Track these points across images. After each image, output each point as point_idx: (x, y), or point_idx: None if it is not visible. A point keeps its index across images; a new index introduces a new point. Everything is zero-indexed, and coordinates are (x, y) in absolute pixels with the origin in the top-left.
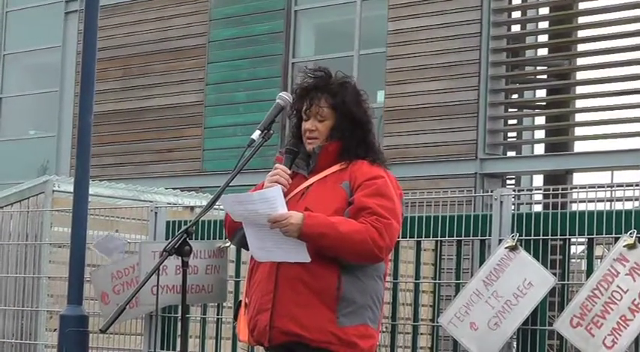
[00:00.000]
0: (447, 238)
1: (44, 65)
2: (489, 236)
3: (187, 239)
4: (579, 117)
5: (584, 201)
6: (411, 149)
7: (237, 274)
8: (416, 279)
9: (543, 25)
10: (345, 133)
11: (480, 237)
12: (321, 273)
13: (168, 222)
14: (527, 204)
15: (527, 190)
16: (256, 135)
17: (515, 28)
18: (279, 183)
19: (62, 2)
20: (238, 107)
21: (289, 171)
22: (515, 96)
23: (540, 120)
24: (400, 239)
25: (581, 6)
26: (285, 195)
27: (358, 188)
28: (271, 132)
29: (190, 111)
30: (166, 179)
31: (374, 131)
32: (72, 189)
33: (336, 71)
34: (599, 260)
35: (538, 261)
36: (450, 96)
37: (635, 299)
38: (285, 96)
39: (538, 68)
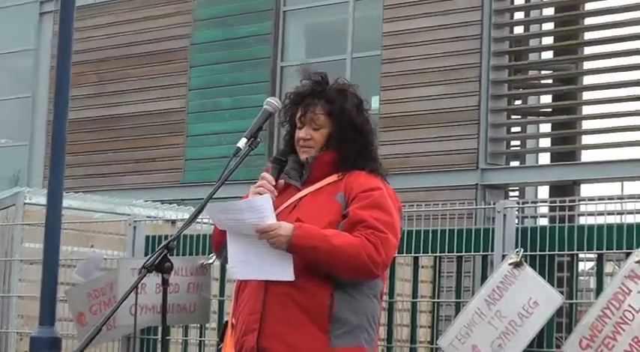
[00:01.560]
0: (446, 254)
1: (16, 69)
2: (492, 251)
3: (168, 255)
4: (587, 125)
5: (593, 214)
6: (407, 158)
7: (222, 293)
8: (413, 298)
9: (548, 26)
10: (342, 143)
11: (481, 253)
12: (312, 291)
13: (147, 237)
14: (532, 217)
15: (532, 202)
16: (242, 143)
17: (519, 30)
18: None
19: (37, 2)
20: (223, 114)
21: (274, 183)
22: (518, 102)
23: (545, 127)
24: (396, 255)
25: (588, 7)
26: (276, 207)
27: (354, 200)
28: (258, 140)
29: (172, 118)
30: (145, 191)
31: (376, 142)
32: (44, 202)
33: (337, 78)
34: (609, 277)
35: (544, 278)
36: (450, 102)
37: None
38: (273, 102)
39: (543, 72)
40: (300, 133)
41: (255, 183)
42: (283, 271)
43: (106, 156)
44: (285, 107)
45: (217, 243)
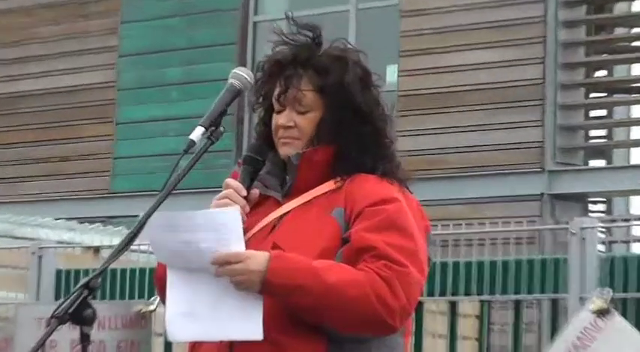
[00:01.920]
0: (498, 296)
1: None
2: (565, 292)
3: (89, 298)
4: None
5: None
6: (438, 157)
7: None
8: None
9: None
10: (339, 132)
11: (550, 295)
12: (298, 350)
13: (58, 272)
14: (623, 242)
15: (624, 220)
16: (198, 134)
17: None
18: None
19: None
20: (169, 91)
21: (244, 193)
22: (600, 73)
23: None
24: (424, 297)
25: None
26: (247, 229)
27: (358, 217)
28: (221, 129)
29: (94, 97)
30: (56, 204)
31: (389, 131)
32: None
33: (333, 40)
34: None
35: None
36: (500, 73)
37: None
38: (242, 75)
39: (634, 31)
40: (280, 119)
41: (218, 193)
42: (248, 325)
43: None
44: (257, 82)
45: (163, 281)
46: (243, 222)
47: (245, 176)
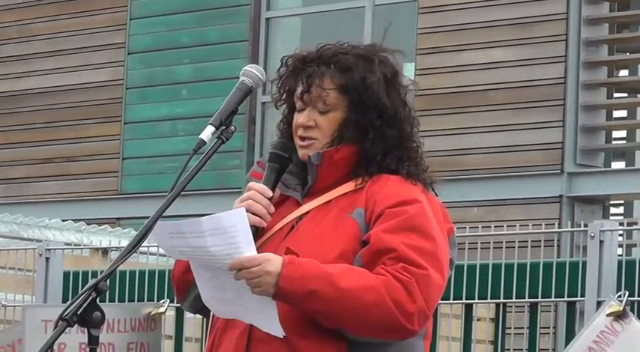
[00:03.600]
0: (514, 300)
1: None
2: (582, 296)
3: (98, 301)
4: None
5: None
6: (456, 158)
7: None
8: None
9: None
10: (364, 133)
11: (566, 299)
12: None
13: (66, 274)
14: None
15: None
16: (208, 133)
17: None
18: (254, 213)
19: None
20: (179, 90)
21: (270, 194)
22: (624, 72)
23: None
24: (441, 302)
25: None
26: (266, 230)
27: (378, 219)
28: (232, 129)
29: (102, 96)
30: (63, 205)
31: (415, 134)
32: None
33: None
34: None
35: None
36: (520, 72)
37: None
38: (253, 72)
39: None
40: (300, 117)
41: (233, 193)
42: (268, 322)
43: (2, 154)
44: (280, 78)
45: (182, 282)
46: (266, 222)
47: (271, 174)
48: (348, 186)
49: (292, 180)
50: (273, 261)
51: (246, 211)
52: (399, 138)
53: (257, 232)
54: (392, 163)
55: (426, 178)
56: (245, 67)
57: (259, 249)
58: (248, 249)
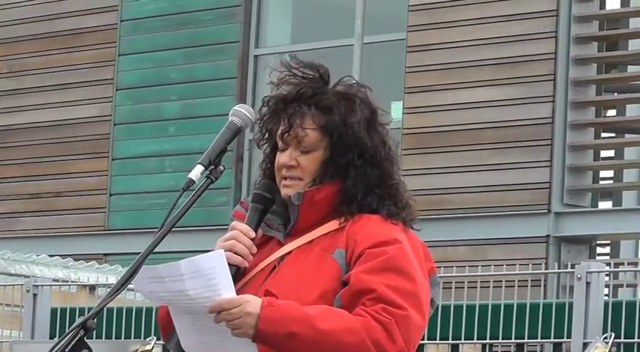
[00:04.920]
0: (500, 341)
1: None
2: (568, 337)
3: (86, 338)
4: None
5: None
6: (443, 197)
7: None
8: None
9: None
10: (345, 173)
11: (553, 340)
12: None
13: (54, 310)
14: (629, 286)
15: (630, 264)
16: (197, 173)
17: (613, 5)
18: (237, 253)
19: None
20: (167, 126)
21: (253, 234)
22: (611, 112)
23: None
24: (425, 341)
25: None
26: (248, 271)
27: (359, 259)
28: (221, 168)
29: (90, 131)
30: (51, 241)
31: (396, 172)
32: None
33: (341, 78)
34: None
35: None
36: (508, 112)
37: None
38: (243, 112)
39: None
40: (282, 157)
41: (220, 231)
42: None
43: None
44: (262, 118)
45: (168, 322)
46: (248, 262)
47: (254, 215)
48: (331, 226)
49: (275, 220)
50: (253, 303)
51: (229, 251)
52: (380, 176)
53: (239, 273)
54: (373, 202)
55: (407, 216)
56: (234, 107)
57: (241, 290)
58: (227, 292)
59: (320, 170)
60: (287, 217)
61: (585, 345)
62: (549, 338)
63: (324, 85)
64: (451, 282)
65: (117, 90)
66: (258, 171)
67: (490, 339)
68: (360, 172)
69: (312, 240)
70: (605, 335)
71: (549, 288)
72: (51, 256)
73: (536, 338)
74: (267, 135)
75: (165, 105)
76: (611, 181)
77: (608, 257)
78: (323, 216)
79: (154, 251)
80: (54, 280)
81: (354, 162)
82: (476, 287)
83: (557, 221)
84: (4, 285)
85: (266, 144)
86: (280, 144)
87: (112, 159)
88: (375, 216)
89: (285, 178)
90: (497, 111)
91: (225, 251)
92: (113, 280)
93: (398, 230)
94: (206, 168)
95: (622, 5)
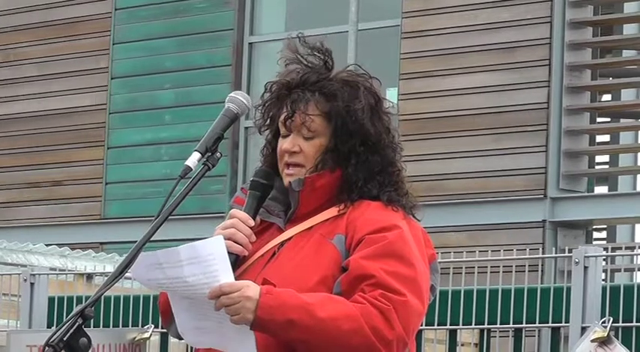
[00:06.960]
0: (498, 326)
1: None
2: (566, 322)
3: (84, 326)
4: None
5: None
6: (439, 182)
7: None
8: None
9: None
10: (346, 159)
11: (551, 324)
12: None
13: (51, 299)
14: (626, 270)
15: (627, 248)
16: (194, 160)
17: None
18: (235, 242)
19: None
20: (162, 114)
21: (253, 222)
22: (607, 97)
23: None
24: (423, 327)
25: None
26: (248, 257)
27: (358, 245)
28: (217, 155)
29: (85, 120)
30: (48, 230)
31: (398, 160)
32: None
33: (347, 66)
34: None
35: None
36: (503, 97)
37: None
38: (239, 98)
39: None
40: (285, 143)
41: (217, 219)
42: (246, 349)
43: None
44: (264, 104)
45: (167, 308)
46: (248, 250)
47: (252, 202)
48: (331, 212)
49: (275, 206)
50: (253, 287)
51: (229, 239)
52: (382, 164)
53: (238, 261)
54: (373, 189)
55: (407, 203)
56: (231, 94)
57: (240, 277)
58: (226, 278)
59: (322, 156)
60: (287, 203)
61: (583, 329)
62: (547, 322)
63: (328, 72)
64: (449, 268)
65: (112, 78)
66: (259, 158)
67: (488, 324)
68: (361, 159)
69: (312, 226)
70: (603, 320)
71: (546, 273)
72: (47, 245)
73: (534, 323)
74: (269, 121)
75: (161, 94)
76: (607, 166)
77: (604, 241)
78: (323, 202)
79: (152, 239)
80: (51, 269)
81: (356, 149)
82: (473, 273)
83: (554, 206)
84: (1, 275)
85: (267, 130)
86: (283, 130)
87: (108, 148)
88: (375, 203)
89: (288, 166)
90: (492, 97)
91: (225, 239)
92: (110, 268)
93: (398, 217)
94: (203, 155)
95: None
